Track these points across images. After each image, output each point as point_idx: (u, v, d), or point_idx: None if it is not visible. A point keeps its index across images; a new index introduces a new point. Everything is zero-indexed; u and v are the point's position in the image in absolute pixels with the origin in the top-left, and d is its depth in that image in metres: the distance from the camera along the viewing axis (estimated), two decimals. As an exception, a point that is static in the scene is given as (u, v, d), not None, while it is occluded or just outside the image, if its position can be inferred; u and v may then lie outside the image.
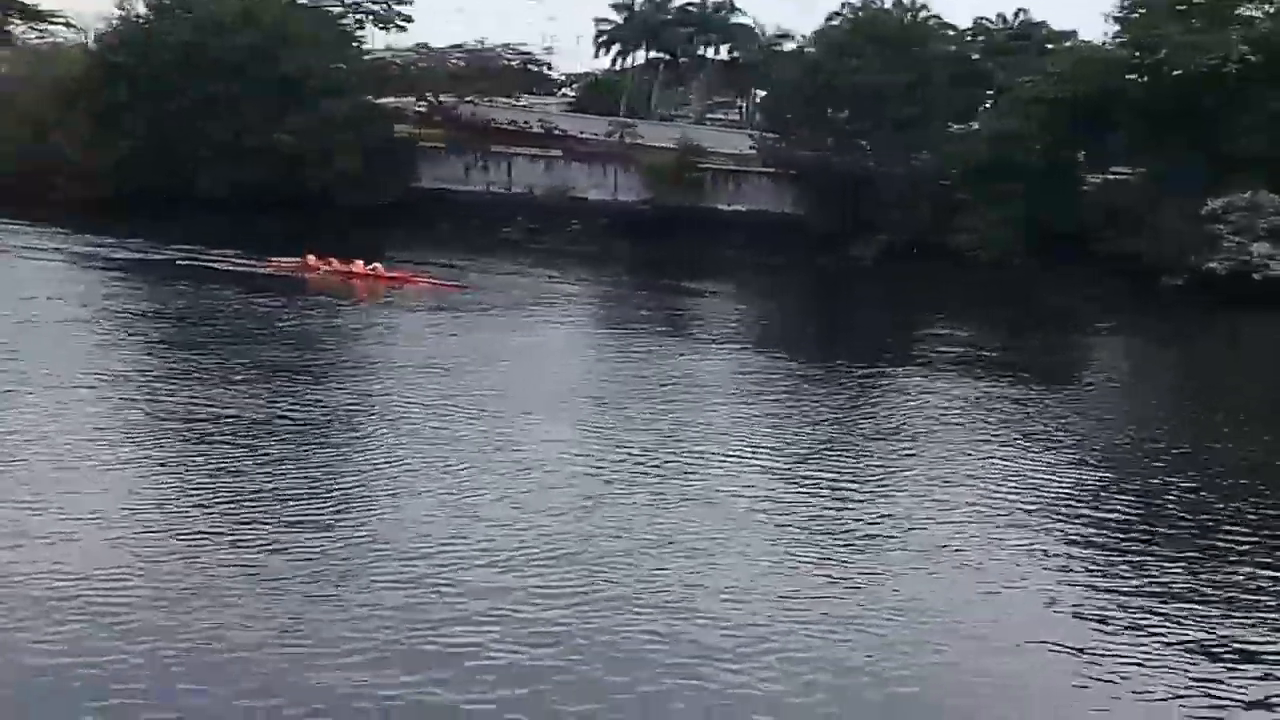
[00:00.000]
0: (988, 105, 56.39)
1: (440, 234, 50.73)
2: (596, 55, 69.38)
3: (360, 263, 34.48)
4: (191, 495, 12.53)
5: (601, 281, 42.57)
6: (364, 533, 11.83)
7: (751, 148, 52.05)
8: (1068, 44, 53.75)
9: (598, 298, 37.47)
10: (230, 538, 11.37)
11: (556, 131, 55.40)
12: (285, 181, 47.43)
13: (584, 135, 55.16)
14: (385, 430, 15.96)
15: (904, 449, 17.16)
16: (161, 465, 13.60)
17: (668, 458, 15.62)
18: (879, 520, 13.47)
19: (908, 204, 47.98)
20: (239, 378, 18.09)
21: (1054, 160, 46.56)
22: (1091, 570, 11.93)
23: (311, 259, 34.84)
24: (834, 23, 52.32)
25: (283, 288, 30.47)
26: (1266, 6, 43.35)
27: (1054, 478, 15.41)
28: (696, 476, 14.79)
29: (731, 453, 16.29)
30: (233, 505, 12.29)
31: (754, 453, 16.54)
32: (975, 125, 52.93)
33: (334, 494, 13.02)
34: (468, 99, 55.18)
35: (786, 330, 33.92)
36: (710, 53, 67.96)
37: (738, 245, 50.83)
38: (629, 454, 15.73)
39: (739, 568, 11.44)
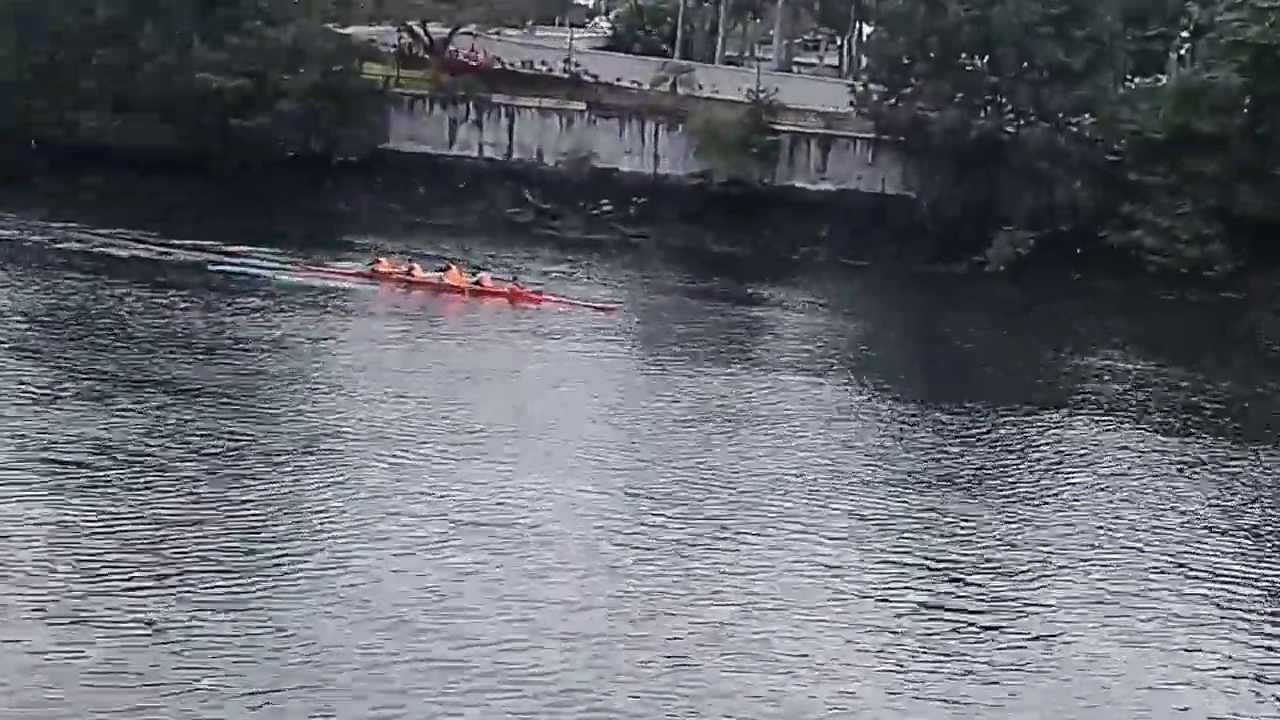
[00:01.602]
0: (1178, 53, 57.94)
1: (415, 210, 53.79)
2: (643, -27, 76.73)
3: (455, 270, 37.38)
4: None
5: (637, 283, 44.84)
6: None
7: (850, 104, 54.13)
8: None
9: (633, 307, 39.24)
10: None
11: (585, 77, 57.64)
12: (203, 132, 50.70)
13: (621, 83, 57.42)
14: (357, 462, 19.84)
15: (1060, 533, 18.88)
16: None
17: (732, 536, 17.49)
18: (1009, 624, 15.54)
19: (1061, 186, 50.11)
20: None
21: (1269, 129, 48.47)
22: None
23: (384, 264, 37.84)
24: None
25: (326, 304, 33.61)
26: None
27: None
28: (773, 556, 16.92)
29: (817, 523, 18.04)
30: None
31: (849, 520, 18.43)
32: (1160, 79, 55.42)
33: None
34: (464, 30, 57.71)
35: (889, 362, 34.96)
36: (799, -27, 71.43)
37: (823, 239, 53.11)
38: (677, 520, 17.97)
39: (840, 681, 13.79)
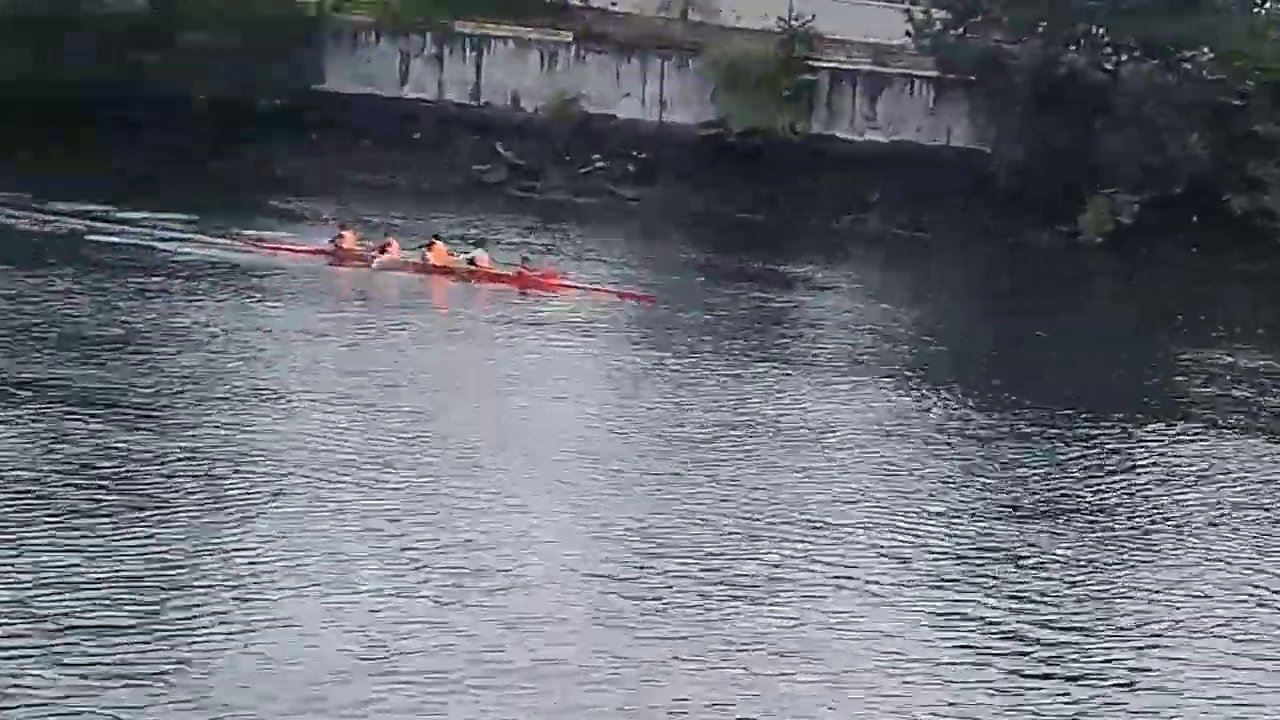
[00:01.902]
0: None
1: (358, 167, 54.07)
2: None
3: (440, 246, 37.67)
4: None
5: (640, 261, 44.67)
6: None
7: (907, 34, 53.40)
8: None
9: (637, 285, 39.10)
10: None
11: (575, 1, 57.07)
12: (91, 71, 49.85)
13: (616, 8, 56.89)
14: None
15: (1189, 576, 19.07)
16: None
17: (770, 579, 17.63)
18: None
19: (1172, 138, 49.49)
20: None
21: None
22: None
23: (348, 238, 38.19)
24: None
25: (271, 286, 34.35)
26: None
27: None
28: (827, 607, 17.03)
29: (880, 569, 18.29)
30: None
31: (917, 560, 18.75)
32: None
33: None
34: None
35: (957, 359, 34.85)
36: None
37: (872, 204, 53.04)
38: (698, 562, 18.12)
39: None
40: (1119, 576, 19.01)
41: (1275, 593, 18.72)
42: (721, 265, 44.69)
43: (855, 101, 54.57)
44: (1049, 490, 22.59)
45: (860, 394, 28.10)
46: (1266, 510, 22.30)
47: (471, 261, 37.67)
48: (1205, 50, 50.83)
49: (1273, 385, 32.17)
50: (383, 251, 37.72)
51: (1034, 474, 23.48)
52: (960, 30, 52.76)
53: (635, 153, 54.85)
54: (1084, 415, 27.42)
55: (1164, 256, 49.20)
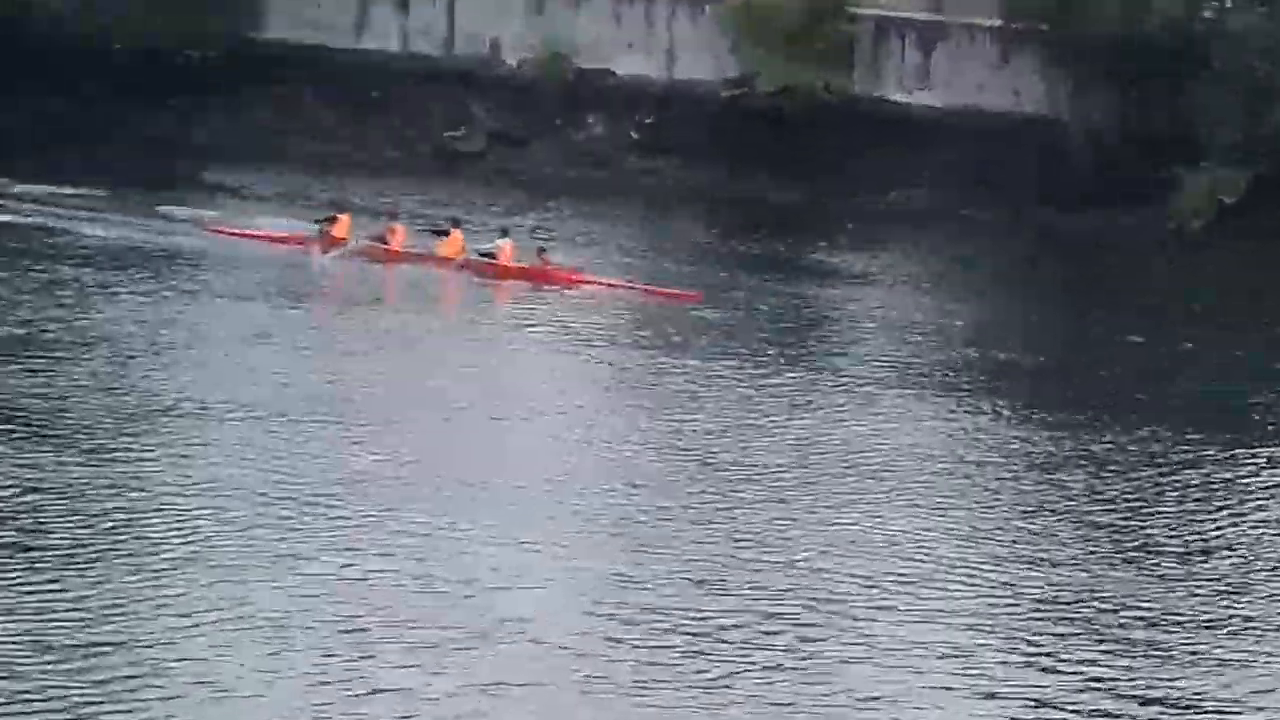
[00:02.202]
0: None
1: (304, 132, 55.47)
2: None
3: (457, 233, 39.28)
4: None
5: (652, 248, 45.84)
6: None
7: None
8: None
9: (655, 279, 40.33)
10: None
11: None
12: None
13: None
14: None
15: None
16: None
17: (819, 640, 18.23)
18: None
19: None
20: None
21: None
22: None
23: (341, 224, 39.97)
24: None
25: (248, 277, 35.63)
26: None
27: None
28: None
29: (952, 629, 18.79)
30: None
31: (992, 612, 19.44)
32: None
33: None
34: None
35: (1027, 369, 35.46)
36: None
37: (925, 179, 53.65)
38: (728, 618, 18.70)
39: None
40: (1244, 636, 19.39)
41: None
42: (747, 254, 45.35)
43: (905, 57, 55.40)
44: (1147, 526, 23.12)
45: (924, 411, 28.73)
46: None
47: (490, 254, 38.88)
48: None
49: None
50: (381, 239, 39.19)
51: (1132, 507, 24.01)
52: (1033, -26, 51.51)
53: (640, 117, 55.43)
54: (1186, 436, 28.08)
55: (1275, 244, 48.46)
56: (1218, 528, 23.78)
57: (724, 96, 54.91)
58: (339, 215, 40.00)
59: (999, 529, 22.76)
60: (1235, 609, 20.15)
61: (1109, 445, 27.69)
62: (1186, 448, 27.67)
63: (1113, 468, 26.32)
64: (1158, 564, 21.86)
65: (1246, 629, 19.51)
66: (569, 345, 33.29)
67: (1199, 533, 23.50)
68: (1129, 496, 24.88)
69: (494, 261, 38.84)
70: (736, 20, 54.80)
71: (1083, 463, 26.20)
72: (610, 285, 38.67)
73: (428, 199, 48.78)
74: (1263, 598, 20.52)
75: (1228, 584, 21.25)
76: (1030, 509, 23.83)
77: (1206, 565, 22.04)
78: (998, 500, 24.16)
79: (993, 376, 33.21)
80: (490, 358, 32.04)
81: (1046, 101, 53.80)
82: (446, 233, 39.54)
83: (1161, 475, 26.14)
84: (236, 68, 54.95)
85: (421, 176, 53.16)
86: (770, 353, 33.20)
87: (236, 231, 40.53)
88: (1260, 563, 22.42)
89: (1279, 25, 51.69)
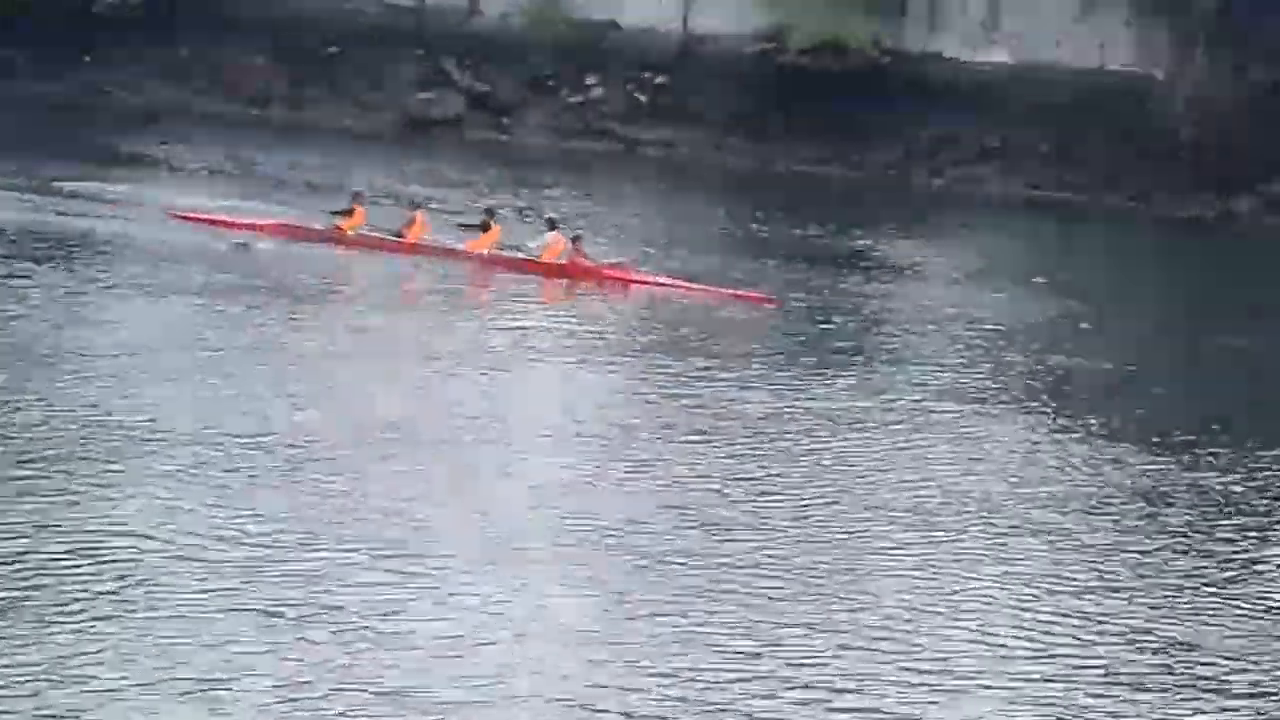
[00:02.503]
0: None
1: (245, 97, 53.44)
2: None
3: (496, 228, 36.81)
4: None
5: (669, 236, 42.36)
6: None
7: None
8: None
9: (677, 272, 37.12)
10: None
11: None
12: None
13: None
14: None
15: None
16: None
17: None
18: None
19: None
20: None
21: None
22: None
23: (359, 214, 37.36)
24: None
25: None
26: None
27: None
28: None
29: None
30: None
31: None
32: None
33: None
34: None
35: (1120, 383, 32.30)
36: None
37: (992, 153, 52.05)
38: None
39: None
40: None
41: None
42: (785, 243, 42.64)
43: (969, 5, 53.13)
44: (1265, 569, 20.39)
45: (1014, 432, 26.03)
46: None
47: (535, 253, 36.43)
48: None
49: None
50: (402, 233, 37.01)
51: (1247, 546, 21.33)
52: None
53: (650, 77, 53.52)
54: None
55: None
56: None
57: (751, 53, 52.94)
58: (357, 207, 37.12)
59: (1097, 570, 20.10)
60: None
61: (1218, 470, 24.86)
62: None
63: (1223, 497, 23.68)
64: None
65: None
66: (619, 357, 29.79)
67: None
68: (1246, 532, 22.01)
69: (532, 258, 36.07)
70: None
71: (1191, 492, 23.54)
72: (670, 286, 35.91)
73: (392, 175, 45.64)
74: None
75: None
76: (1137, 546, 21.07)
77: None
78: (1100, 538, 21.30)
79: (1082, 389, 30.46)
80: (525, 370, 28.44)
81: (1139, 57, 52.57)
82: (486, 227, 36.47)
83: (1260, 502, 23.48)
84: (163, 21, 53.16)
85: (385, 148, 50.77)
86: (841, 363, 30.15)
87: (207, 218, 37.81)
88: None
89: None
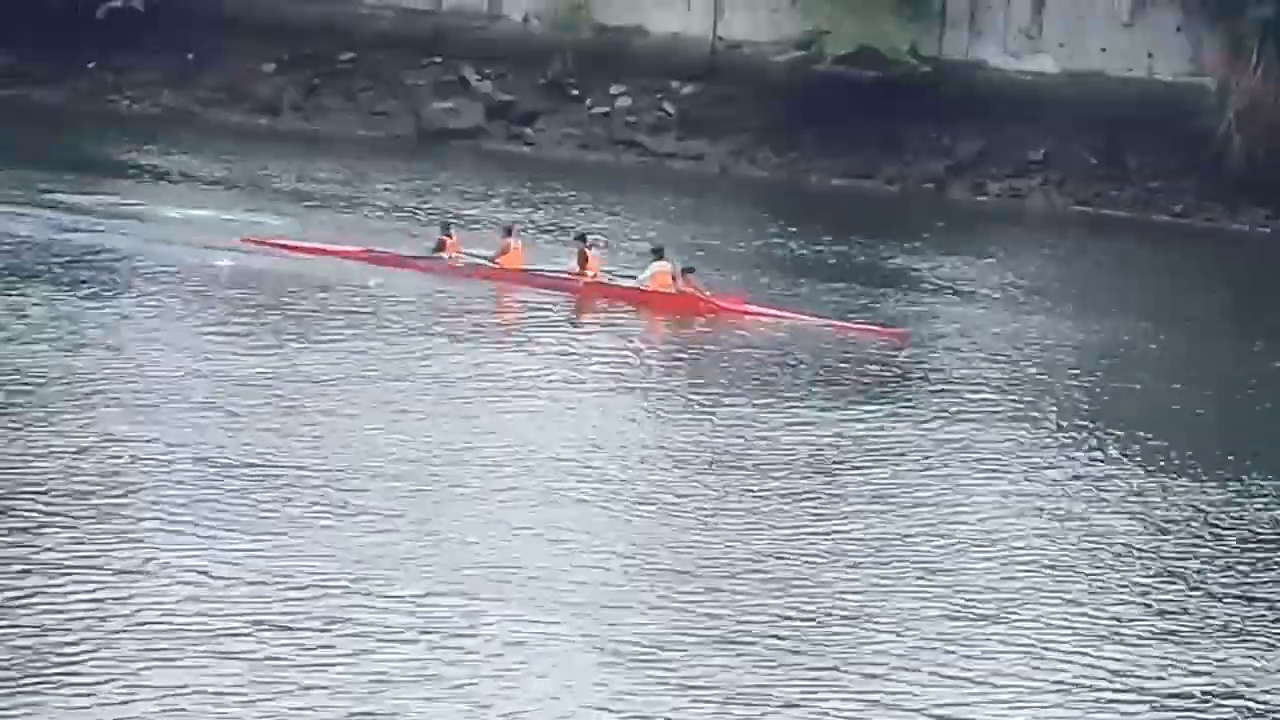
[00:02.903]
0: None
1: (250, 104, 53.34)
2: None
3: (592, 255, 36.50)
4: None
5: (695, 250, 41.16)
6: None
7: None
8: None
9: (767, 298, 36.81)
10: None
11: None
12: None
13: None
14: None
15: None
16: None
17: None
18: None
19: None
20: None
21: None
22: None
23: (453, 240, 37.32)
24: None
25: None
26: None
27: None
28: None
29: None
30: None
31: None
32: None
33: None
34: None
35: (1174, 412, 31.71)
36: None
37: (1038, 166, 51.77)
38: None
39: None
40: None
41: None
42: (814, 253, 42.68)
43: (1011, 11, 52.93)
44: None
45: (1074, 467, 26.03)
46: None
47: (642, 283, 36.18)
48: None
49: None
50: (504, 255, 36.97)
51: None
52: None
53: (678, 86, 53.29)
54: None
55: None
56: None
57: (783, 62, 52.18)
58: (451, 235, 37.46)
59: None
60: None
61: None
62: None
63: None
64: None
65: None
66: (734, 395, 29.34)
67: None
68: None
69: (640, 288, 35.79)
70: (803, -28, 53.95)
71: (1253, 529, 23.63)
72: (791, 318, 35.46)
73: (408, 188, 45.75)
74: None
75: None
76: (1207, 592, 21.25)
77: None
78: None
79: (1129, 418, 29.69)
80: (634, 410, 28.38)
81: (1189, 65, 51.88)
82: (584, 257, 36.24)
83: None
84: (168, 21, 52.76)
85: (401, 159, 50.31)
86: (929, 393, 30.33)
87: (285, 244, 37.76)
88: None
89: None
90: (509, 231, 38.00)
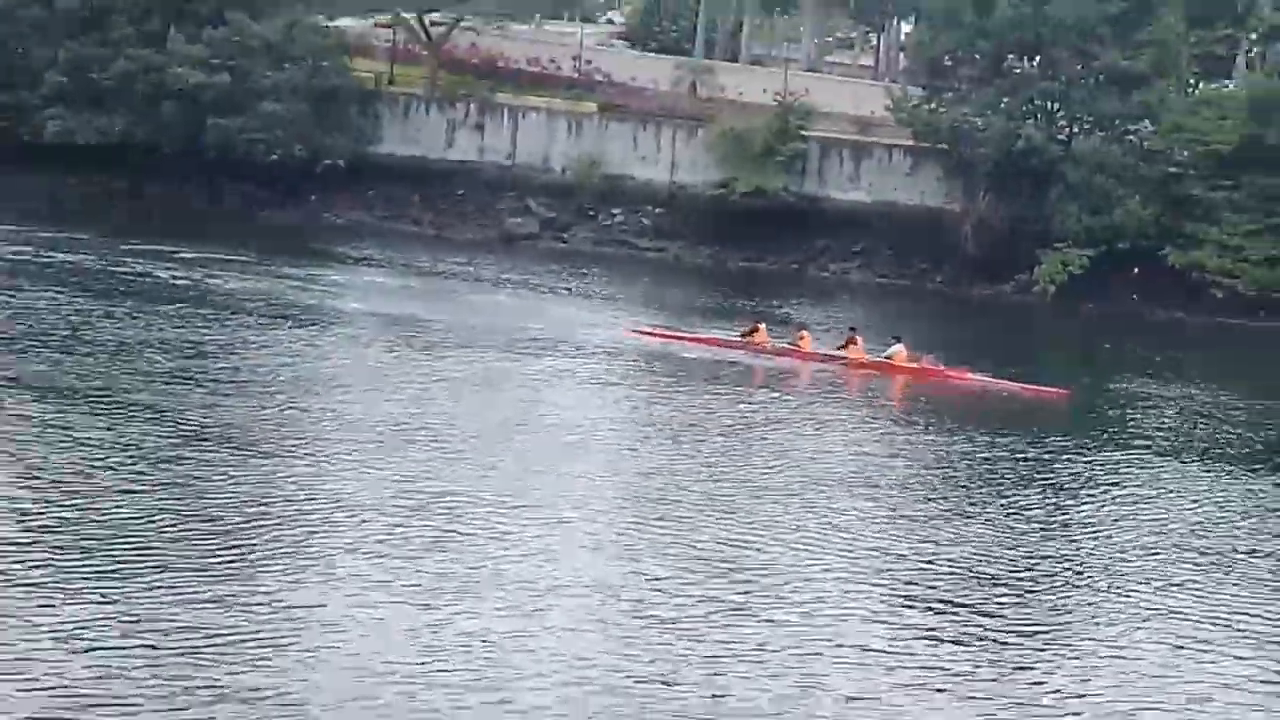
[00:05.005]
0: (1247, 57, 65.62)
1: (407, 219, 62.54)
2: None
3: (858, 341, 39.31)
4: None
5: (663, 305, 49.24)
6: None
7: (887, 108, 62.40)
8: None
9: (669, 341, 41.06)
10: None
11: (597, 77, 66.20)
12: (176, 131, 59.50)
13: (635, 83, 66.14)
14: None
15: None
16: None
17: None
18: None
19: (1118, 202, 57.78)
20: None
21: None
22: None
23: (760, 334, 39.73)
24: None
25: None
26: None
27: None
28: None
29: None
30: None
31: None
32: (1228, 85, 63.68)
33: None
34: (464, 25, 65.80)
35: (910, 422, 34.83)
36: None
37: (857, 255, 61.50)
38: None
39: None
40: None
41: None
42: (719, 304, 50.38)
43: (842, 167, 64.32)
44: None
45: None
46: (1187, 532, 24.59)
47: (888, 358, 40.14)
48: (1147, 125, 61.24)
49: (1198, 418, 36.06)
50: (798, 342, 40.08)
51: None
52: (934, 105, 62.87)
53: (651, 208, 63.99)
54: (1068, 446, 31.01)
55: (1108, 304, 57.56)
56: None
57: (710, 195, 63.81)
58: (759, 325, 41.13)
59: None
60: None
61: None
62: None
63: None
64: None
65: None
66: (957, 436, 32.50)
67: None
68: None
69: (889, 362, 39.82)
70: (720, 141, 64.40)
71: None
72: (980, 381, 38.76)
73: (498, 269, 53.42)
74: None
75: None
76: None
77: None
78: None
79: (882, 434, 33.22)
80: (898, 444, 31.32)
81: (944, 198, 63.38)
82: (853, 341, 40.44)
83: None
84: (359, 173, 63.84)
85: (492, 252, 59.36)
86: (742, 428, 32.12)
87: (660, 334, 41.27)
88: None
89: (1113, 148, 61.22)
90: (802, 326, 42.57)
